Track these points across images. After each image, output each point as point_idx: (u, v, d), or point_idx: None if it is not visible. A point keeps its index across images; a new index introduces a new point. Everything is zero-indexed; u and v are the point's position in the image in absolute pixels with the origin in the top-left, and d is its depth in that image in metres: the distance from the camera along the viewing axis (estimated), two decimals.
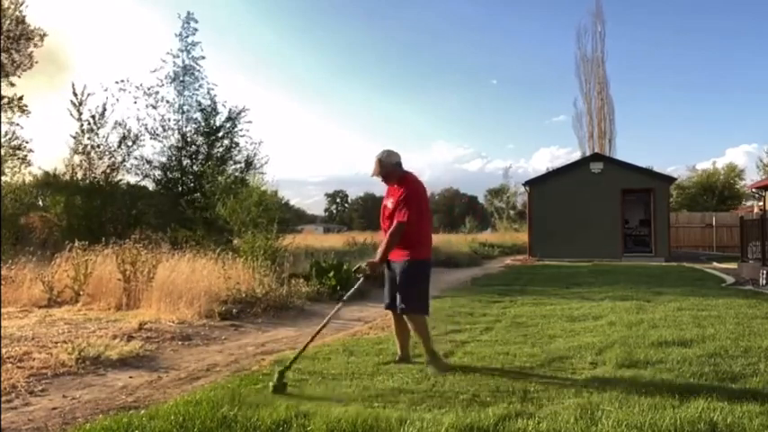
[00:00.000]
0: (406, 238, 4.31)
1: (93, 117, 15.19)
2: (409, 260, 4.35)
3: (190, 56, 17.21)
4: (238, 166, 16.87)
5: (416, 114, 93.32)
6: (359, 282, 4.49)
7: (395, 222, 4.32)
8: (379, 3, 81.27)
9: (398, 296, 4.37)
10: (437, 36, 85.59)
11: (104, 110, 15.30)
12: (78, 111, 15.05)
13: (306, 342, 4.35)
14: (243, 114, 16.99)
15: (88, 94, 15.08)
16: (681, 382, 3.83)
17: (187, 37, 17.21)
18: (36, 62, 17.69)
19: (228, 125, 16.92)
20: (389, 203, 4.48)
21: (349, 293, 4.46)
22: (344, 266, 9.87)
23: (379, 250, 4.46)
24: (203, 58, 17.31)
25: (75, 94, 14.95)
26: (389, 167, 4.46)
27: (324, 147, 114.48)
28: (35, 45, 17.65)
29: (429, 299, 4.61)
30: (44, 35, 17.67)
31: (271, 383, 3.75)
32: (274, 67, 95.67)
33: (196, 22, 17.42)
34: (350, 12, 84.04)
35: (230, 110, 17.02)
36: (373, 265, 4.40)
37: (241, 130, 17.04)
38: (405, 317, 4.42)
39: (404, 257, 4.36)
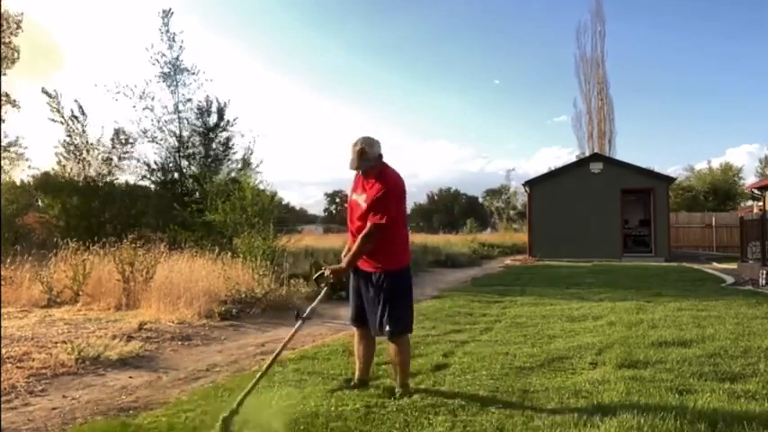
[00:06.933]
0: (383, 244, 3.63)
1: (75, 117, 14.88)
2: (391, 271, 3.67)
3: (173, 49, 16.95)
4: (235, 165, 16.79)
5: (418, 114, 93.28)
6: (321, 293, 3.73)
7: (369, 224, 3.59)
8: (380, 3, 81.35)
9: (383, 317, 3.62)
10: (438, 36, 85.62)
11: (81, 108, 14.92)
12: (60, 113, 14.76)
13: (257, 376, 3.43)
14: (228, 105, 16.81)
15: (59, 100, 14.77)
16: (681, 382, 3.83)
17: (167, 31, 17.00)
18: (17, 48, 16.45)
19: (223, 123, 16.81)
20: (362, 201, 3.72)
21: (310, 308, 3.66)
22: None
23: (348, 256, 3.72)
24: (182, 48, 17.08)
25: (48, 95, 14.60)
26: (373, 159, 3.68)
27: (323, 147, 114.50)
28: (7, 28, 16.29)
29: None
30: (15, 19, 16.24)
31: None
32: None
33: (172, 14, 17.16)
34: (349, 12, 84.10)
35: (223, 104, 16.89)
36: (338, 272, 3.67)
37: (234, 123, 16.87)
38: (392, 342, 3.69)
39: (382, 268, 3.67)
